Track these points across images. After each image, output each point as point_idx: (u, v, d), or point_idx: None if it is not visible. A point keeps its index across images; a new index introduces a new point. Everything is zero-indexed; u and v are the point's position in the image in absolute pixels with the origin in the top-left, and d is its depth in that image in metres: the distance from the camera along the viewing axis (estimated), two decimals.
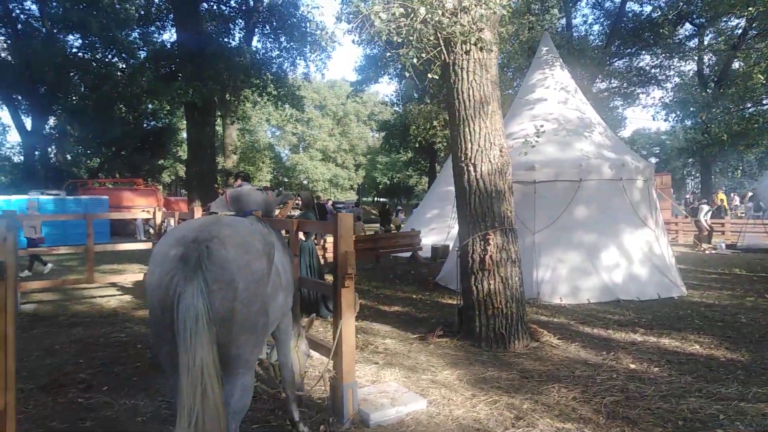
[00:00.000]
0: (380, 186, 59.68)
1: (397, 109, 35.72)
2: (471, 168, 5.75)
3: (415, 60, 5.36)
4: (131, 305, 7.86)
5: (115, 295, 8.69)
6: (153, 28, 27.07)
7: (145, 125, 33.50)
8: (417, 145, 32.24)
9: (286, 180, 50.71)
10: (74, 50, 28.13)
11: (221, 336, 2.37)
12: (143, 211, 11.99)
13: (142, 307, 7.70)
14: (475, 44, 5.58)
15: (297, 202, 7.87)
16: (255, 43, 23.28)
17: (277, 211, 7.20)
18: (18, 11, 25.87)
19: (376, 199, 60.87)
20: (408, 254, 13.50)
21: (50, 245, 11.31)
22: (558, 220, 8.14)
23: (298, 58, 23.70)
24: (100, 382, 4.52)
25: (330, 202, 24.15)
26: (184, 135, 40.40)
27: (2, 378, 2.72)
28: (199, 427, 2.20)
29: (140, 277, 8.79)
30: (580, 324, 6.47)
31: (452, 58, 5.75)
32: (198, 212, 6.76)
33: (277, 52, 23.32)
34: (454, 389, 4.32)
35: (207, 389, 2.23)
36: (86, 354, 5.31)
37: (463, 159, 5.82)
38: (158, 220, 8.44)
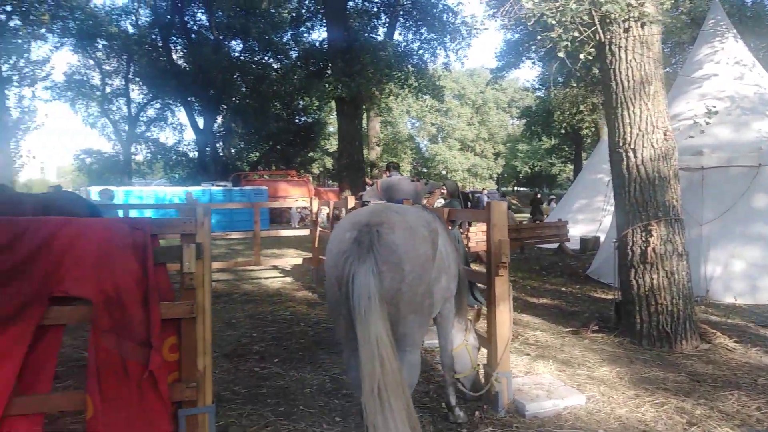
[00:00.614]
0: (520, 175, 57.93)
1: (539, 94, 34.29)
2: (630, 154, 5.38)
3: (567, 42, 5.14)
4: (292, 287, 8.57)
5: (277, 277, 9.53)
6: (303, 29, 28.82)
7: (297, 120, 35.93)
8: (562, 132, 30.75)
9: (425, 170, 51.31)
10: (236, 54, 31.00)
11: (390, 314, 2.54)
12: (300, 200, 12.98)
13: (303, 288, 8.36)
14: (637, 20, 5.20)
15: (442, 191, 7.97)
16: (396, 36, 23.83)
17: (424, 200, 7.40)
18: (191, 23, 29.10)
19: (515, 188, 59.25)
20: (554, 245, 13.00)
21: (221, 231, 12.78)
22: (731, 210, 7.30)
23: (439, 48, 23.82)
24: (272, 354, 5.01)
25: (484, 191, 23.82)
26: (331, 129, 42.78)
27: (202, 344, 3.15)
28: (382, 394, 2.38)
29: (298, 261, 9.53)
30: (761, 327, 5.78)
31: (608, 37, 5.41)
32: (351, 201, 7.15)
33: (418, 44, 23.65)
34: (614, 387, 4.12)
35: (384, 360, 2.41)
36: (259, 328, 5.91)
37: (621, 144, 5.47)
38: (314, 209, 9.05)
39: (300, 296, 7.73)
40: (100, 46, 29.77)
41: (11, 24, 16.42)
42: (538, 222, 17.44)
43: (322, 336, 5.65)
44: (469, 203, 21.67)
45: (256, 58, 31.22)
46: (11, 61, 15.41)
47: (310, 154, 39.89)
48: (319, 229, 8.83)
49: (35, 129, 22.82)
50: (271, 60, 31.26)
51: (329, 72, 24.99)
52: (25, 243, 2.83)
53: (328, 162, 45.86)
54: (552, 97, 27.02)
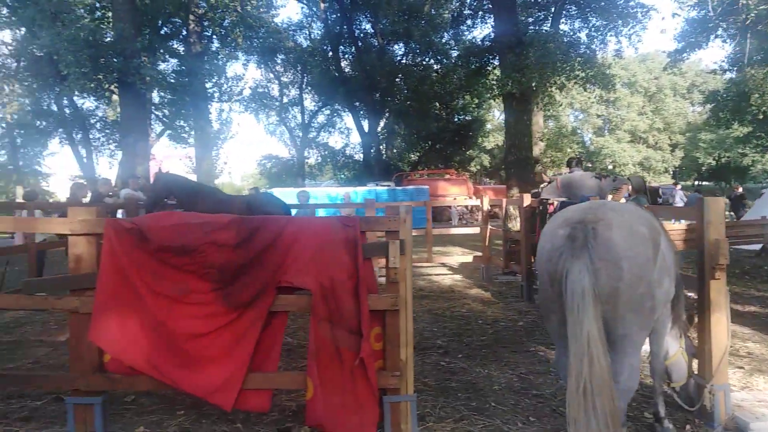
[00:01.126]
0: (703, 168, 51.61)
1: (730, 76, 30.22)
2: None
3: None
4: (463, 284, 8.64)
5: (447, 274, 9.67)
6: (463, 28, 28.83)
7: (455, 119, 36.10)
8: (759, 117, 26.81)
9: (590, 165, 48.14)
10: (399, 58, 32.06)
11: (607, 313, 2.45)
12: (463, 198, 13.03)
13: (474, 286, 8.39)
14: None
15: (628, 187, 7.42)
16: (561, 26, 22.76)
17: (609, 197, 6.96)
18: (358, 32, 30.73)
19: (696, 182, 52.93)
20: (756, 246, 11.39)
21: None
22: None
23: (609, 34, 22.29)
24: (455, 349, 5.11)
25: (677, 187, 21.65)
26: (489, 126, 42.23)
27: (404, 335, 3.31)
28: (587, 393, 2.31)
29: (466, 259, 9.57)
30: None
31: None
32: (527, 199, 6.99)
33: (586, 32, 22.35)
34: None
35: (593, 359, 2.34)
36: (438, 323, 6.06)
37: None
38: (485, 207, 9.02)
39: (473, 294, 7.76)
40: (278, 60, 32.86)
41: (213, 47, 19.03)
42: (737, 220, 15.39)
43: (502, 334, 5.61)
44: (659, 200, 19.97)
45: (417, 60, 32.01)
46: (213, 80, 17.88)
47: (468, 152, 39.80)
48: (489, 227, 8.77)
49: (230, 138, 25.95)
50: (432, 61, 31.81)
51: (489, 68, 24.75)
52: (259, 239, 3.23)
53: (485, 159, 45.32)
54: (747, 79, 23.69)
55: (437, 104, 33.41)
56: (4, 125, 28.84)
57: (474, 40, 27.34)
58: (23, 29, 22.50)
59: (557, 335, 2.63)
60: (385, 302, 3.26)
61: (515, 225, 9.85)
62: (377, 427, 3.20)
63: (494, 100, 28.70)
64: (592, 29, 22.29)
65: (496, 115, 49.03)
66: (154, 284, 3.25)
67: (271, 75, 35.77)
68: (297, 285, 3.23)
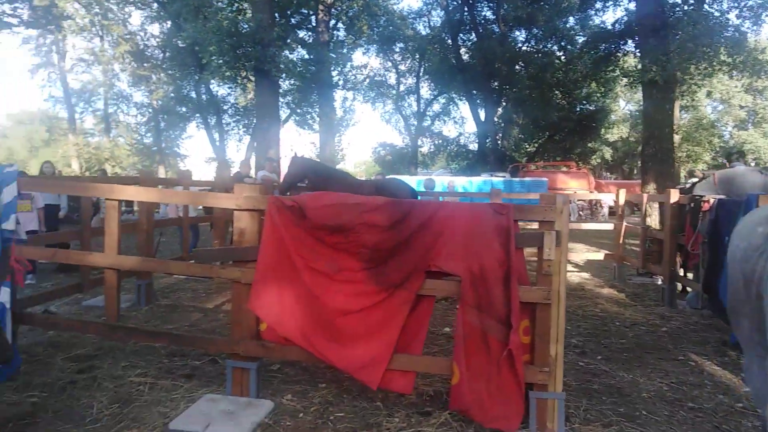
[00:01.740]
0: None
1: None
2: None
3: None
4: (594, 283, 8.20)
5: (573, 271, 9.24)
6: (591, 12, 27.21)
7: (578, 109, 34.31)
8: None
9: (725, 162, 43.50)
10: (520, 45, 31.01)
11: None
12: (582, 191, 12.34)
13: (605, 285, 7.93)
14: None
15: None
16: (705, 6, 20.64)
17: None
18: (479, 18, 30.11)
19: None
20: None
21: None
22: None
23: (765, 14, 19.86)
24: (593, 350, 4.85)
25: None
26: (613, 117, 39.63)
27: (555, 330, 3.17)
28: None
29: (591, 256, 9.07)
30: None
31: None
32: (674, 195, 6.44)
33: (736, 12, 20.09)
34: None
35: None
36: (571, 322, 5.79)
37: None
38: (620, 201, 8.47)
39: (606, 294, 7.34)
40: (397, 49, 33.17)
41: (339, 36, 19.66)
42: None
43: (644, 339, 5.23)
44: None
45: (539, 47, 30.77)
46: (339, 68, 18.51)
47: (590, 144, 37.70)
48: (624, 224, 8.23)
49: (352, 126, 26.71)
50: (555, 47, 30.42)
51: (619, 54, 23.11)
52: (410, 222, 3.24)
53: (607, 153, 42.69)
54: None
55: (559, 93, 31.92)
56: (150, 110, 31.94)
57: (603, 25, 25.70)
58: (169, 22, 24.70)
59: (749, 342, 2.37)
60: (537, 295, 3.15)
61: (653, 223, 9.18)
62: (521, 421, 3.12)
63: (628, 88, 26.79)
64: (744, 8, 20.02)
65: (621, 105, 45.98)
66: (310, 260, 3.39)
67: (389, 63, 36.20)
68: (446, 270, 3.21)
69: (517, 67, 30.47)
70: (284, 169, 9.40)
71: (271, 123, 13.37)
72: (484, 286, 3.14)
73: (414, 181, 21.13)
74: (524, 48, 30.99)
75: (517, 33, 31.51)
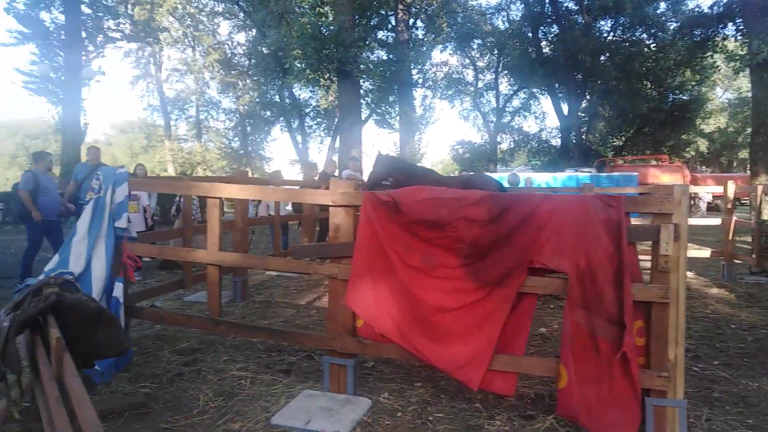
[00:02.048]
0: None
1: None
2: None
3: None
4: (699, 282, 7.63)
5: None
6: None
7: (669, 99, 32.25)
8: None
9: None
10: (605, 34, 29.61)
11: None
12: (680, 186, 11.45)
13: (713, 285, 7.34)
14: None
15: None
16: None
17: None
18: (561, 9, 29.05)
19: None
20: None
21: None
22: None
23: None
24: (707, 355, 4.47)
25: None
26: (709, 107, 36.86)
27: (674, 331, 2.91)
28: None
29: (693, 253, 8.41)
30: None
31: None
32: None
33: None
34: None
35: None
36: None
37: None
38: (730, 195, 7.79)
39: (715, 294, 6.77)
40: (474, 46, 32.67)
41: (419, 34, 19.70)
42: None
43: (766, 343, 4.76)
44: None
45: (626, 36, 29.22)
46: (418, 67, 18.52)
47: (684, 136, 35.29)
48: (734, 218, 7.57)
49: (432, 123, 26.65)
50: (644, 35, 28.76)
51: (718, 39, 21.45)
52: (511, 217, 3.10)
53: (702, 145, 39.79)
54: None
55: (648, 83, 30.15)
56: (237, 116, 33.45)
57: (698, 9, 23.98)
58: (254, 30, 25.72)
59: None
60: (653, 293, 2.91)
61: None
62: (637, 430, 2.89)
63: (726, 75, 24.87)
64: None
65: (718, 93, 42.77)
66: (405, 256, 3.34)
67: (467, 60, 35.73)
68: (551, 267, 3.04)
69: (602, 57, 29.11)
70: (366, 167, 9.46)
71: (353, 123, 13.55)
72: (592, 283, 2.94)
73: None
74: (610, 37, 29.56)
75: (602, 22, 30.12)
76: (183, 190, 4.22)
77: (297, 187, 9.02)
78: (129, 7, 24.48)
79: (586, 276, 2.94)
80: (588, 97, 31.86)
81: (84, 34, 20.33)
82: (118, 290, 3.84)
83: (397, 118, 20.88)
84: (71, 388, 1.80)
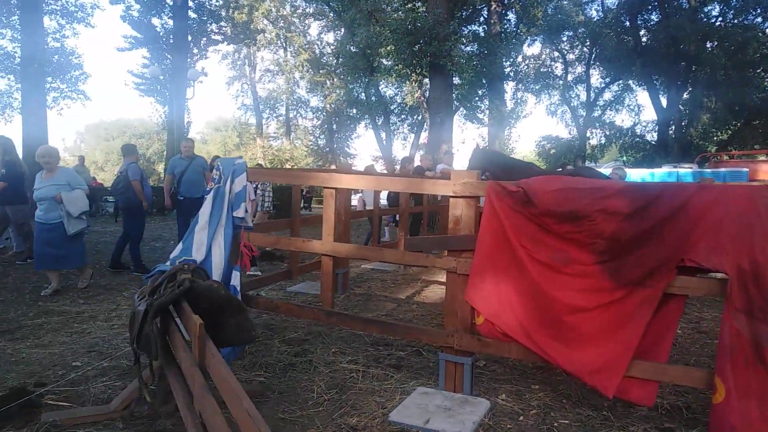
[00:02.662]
0: None
1: None
2: None
3: None
4: None
5: None
6: None
7: None
8: None
9: None
10: (713, 20, 27.43)
11: None
12: None
13: None
14: None
15: None
16: None
17: None
18: None
19: None
20: None
21: None
22: None
23: None
24: None
25: None
26: None
27: None
28: None
29: None
30: None
31: None
32: None
33: None
34: None
35: None
36: None
37: None
38: None
39: None
40: (564, 38, 31.33)
41: (511, 27, 19.12)
42: None
43: None
44: None
45: (737, 21, 26.89)
46: (510, 59, 17.97)
47: None
48: None
49: (524, 117, 25.92)
50: (759, 19, 26.34)
51: None
52: (658, 209, 2.80)
53: None
54: None
55: (761, 71, 27.57)
56: (324, 114, 34.19)
57: None
58: (343, 30, 26.10)
59: None
60: None
61: None
62: None
63: None
64: None
65: None
66: (533, 250, 3.12)
67: (556, 53, 34.36)
68: (706, 266, 2.72)
69: (709, 45, 26.97)
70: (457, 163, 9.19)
71: (445, 118, 13.36)
72: (757, 286, 2.59)
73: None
74: (719, 23, 27.32)
75: (710, 7, 27.89)
76: (300, 181, 4.23)
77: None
78: (230, 10, 25.66)
79: (749, 277, 2.60)
80: (690, 88, 29.65)
81: (190, 38, 21.54)
82: (236, 279, 3.90)
83: (487, 112, 20.40)
84: (221, 376, 1.77)
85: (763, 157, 24.93)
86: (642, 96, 33.08)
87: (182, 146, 7.79)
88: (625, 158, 34.90)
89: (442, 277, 7.51)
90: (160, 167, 46.16)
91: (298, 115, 37.15)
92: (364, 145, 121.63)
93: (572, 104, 35.89)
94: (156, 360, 2.56)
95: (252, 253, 4.03)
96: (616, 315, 2.91)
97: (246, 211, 4.02)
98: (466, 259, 3.33)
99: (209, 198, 3.98)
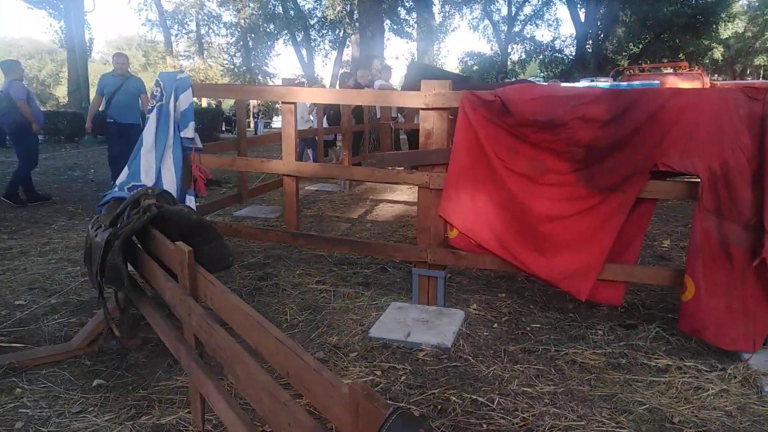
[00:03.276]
0: None
1: None
2: None
3: None
4: None
5: None
6: None
7: (692, 2, 30.58)
8: None
9: None
10: None
11: None
12: None
13: None
14: None
15: None
16: None
17: None
18: None
19: None
20: None
21: None
22: None
23: None
24: None
25: None
26: (734, 9, 35.07)
27: None
28: None
29: None
30: None
31: None
32: None
33: None
34: None
35: None
36: None
37: None
38: None
39: None
40: None
41: None
42: None
43: None
44: None
45: None
46: None
47: (705, 42, 33.80)
48: None
49: (452, 31, 25.44)
50: None
51: None
52: (635, 114, 2.82)
53: (717, 52, 38.26)
54: None
55: None
56: (239, 30, 31.97)
57: None
58: None
59: None
60: None
61: None
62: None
63: None
64: None
65: None
66: (508, 161, 3.09)
67: None
68: (679, 169, 2.80)
69: None
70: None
71: (375, 31, 12.83)
72: (726, 187, 2.71)
73: None
74: None
75: None
76: (252, 96, 3.89)
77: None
78: None
79: (719, 179, 2.71)
80: (607, 1, 30.20)
81: None
82: (191, 203, 3.64)
83: (415, 26, 19.84)
84: (231, 304, 1.62)
85: (669, 70, 26.28)
86: (562, 10, 33.34)
87: (115, 62, 6.76)
88: (543, 74, 35.65)
89: (391, 196, 7.59)
90: (58, 91, 41.98)
91: (211, 31, 34.51)
92: (284, 64, 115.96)
93: (494, 18, 35.70)
94: (124, 291, 2.35)
95: (206, 177, 3.75)
96: (591, 221, 2.98)
97: (195, 132, 3.70)
98: (438, 174, 3.26)
99: (152, 117, 3.60)
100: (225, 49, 34.97)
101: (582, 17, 29.74)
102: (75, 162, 11.44)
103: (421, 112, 3.26)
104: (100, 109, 6.73)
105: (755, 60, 42.44)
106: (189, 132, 3.65)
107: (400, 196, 7.34)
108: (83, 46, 16.76)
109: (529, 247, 3.12)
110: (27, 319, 3.20)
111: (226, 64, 34.65)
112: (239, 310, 1.57)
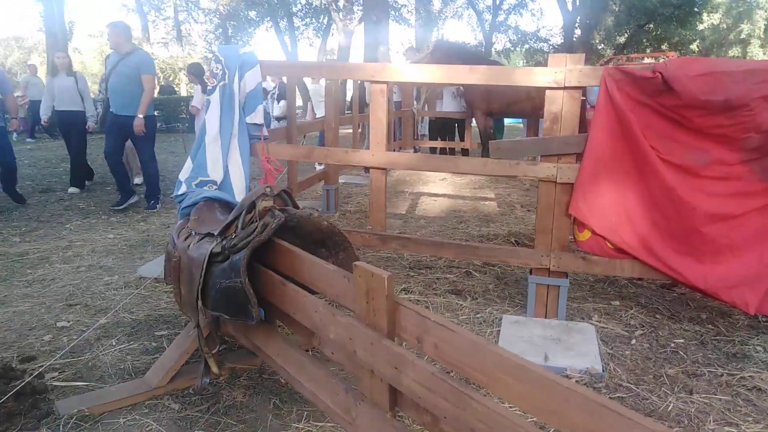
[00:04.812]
0: None
1: None
2: None
3: None
4: None
5: None
6: None
7: None
8: None
9: None
10: None
11: None
12: None
13: None
14: None
15: None
16: None
17: None
18: None
19: None
20: None
21: None
22: None
23: None
24: None
25: None
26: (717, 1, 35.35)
27: None
28: None
29: None
30: None
31: None
32: None
33: None
34: None
35: None
36: None
37: None
38: None
39: None
40: None
41: None
42: None
43: None
44: None
45: None
46: None
47: (688, 33, 34.02)
48: None
49: (452, 18, 24.81)
50: None
51: None
52: None
53: (693, 44, 38.65)
54: None
55: None
56: (218, 16, 30.79)
57: None
58: None
59: None
60: None
61: None
62: None
63: None
64: None
65: None
66: (662, 150, 2.60)
67: None
68: None
69: None
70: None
71: (381, 15, 12.22)
72: None
73: None
74: None
75: None
76: (337, 74, 3.32)
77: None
78: None
79: None
80: None
81: None
82: None
83: (414, 12, 19.22)
84: (505, 358, 1.09)
85: (652, 60, 26.27)
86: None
87: (110, 38, 5.28)
88: (529, 64, 35.38)
89: (426, 188, 7.01)
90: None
91: (190, 17, 33.17)
92: (266, 54, 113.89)
93: (478, 7, 35.26)
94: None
95: (277, 170, 3.17)
96: (765, 222, 2.53)
97: (265, 116, 3.11)
98: (568, 165, 2.76)
99: (214, 99, 3.00)
100: (203, 36, 33.72)
101: (569, 6, 29.49)
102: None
103: (547, 92, 2.74)
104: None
105: (729, 52, 43.01)
106: (257, 117, 3.07)
107: (437, 189, 6.79)
108: (64, 31, 15.70)
109: (682, 252, 2.64)
110: (79, 346, 2.59)
111: (206, 52, 33.37)
112: (520, 366, 1.04)
